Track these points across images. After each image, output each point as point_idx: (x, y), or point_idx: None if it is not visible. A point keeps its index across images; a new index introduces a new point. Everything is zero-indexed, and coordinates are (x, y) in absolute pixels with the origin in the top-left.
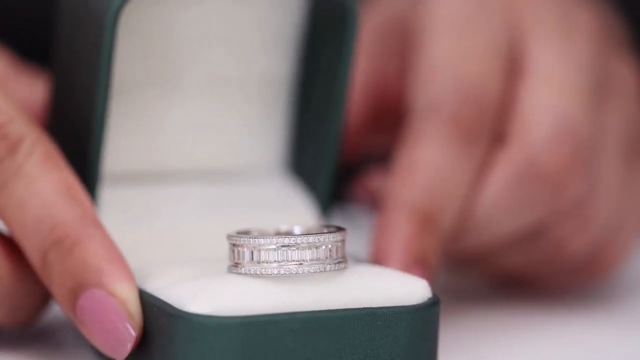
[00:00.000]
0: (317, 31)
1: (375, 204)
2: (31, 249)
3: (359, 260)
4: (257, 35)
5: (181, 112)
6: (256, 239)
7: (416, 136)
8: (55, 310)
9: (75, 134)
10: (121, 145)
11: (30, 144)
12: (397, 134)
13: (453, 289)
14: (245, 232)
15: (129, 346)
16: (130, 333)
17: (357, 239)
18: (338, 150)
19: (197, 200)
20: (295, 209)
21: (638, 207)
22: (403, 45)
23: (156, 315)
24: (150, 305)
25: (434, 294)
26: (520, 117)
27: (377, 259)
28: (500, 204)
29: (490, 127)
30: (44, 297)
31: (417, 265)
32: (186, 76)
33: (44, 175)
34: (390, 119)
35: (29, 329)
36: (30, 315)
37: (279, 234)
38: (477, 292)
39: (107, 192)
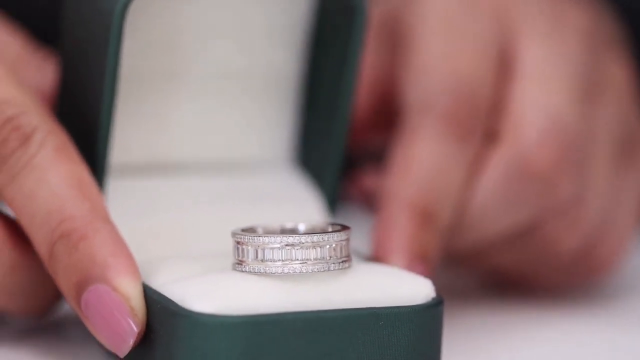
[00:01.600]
0: (326, 27)
1: (369, 202)
2: (39, 241)
3: (360, 257)
4: (264, 30)
5: (189, 106)
6: (260, 238)
7: (411, 134)
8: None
9: (83, 126)
10: (130, 137)
11: (43, 135)
12: (392, 132)
13: (448, 286)
14: (251, 230)
15: (130, 342)
16: (132, 329)
17: (354, 237)
18: (344, 147)
19: (204, 193)
20: (302, 203)
21: (629, 206)
22: (395, 43)
23: (160, 313)
24: (155, 302)
25: (437, 294)
26: (512, 115)
27: (379, 256)
28: (492, 201)
29: (483, 124)
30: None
31: (418, 261)
32: (193, 70)
33: (55, 167)
34: (389, 115)
35: (41, 322)
36: (45, 306)
37: (283, 231)
38: (472, 290)
39: (116, 184)
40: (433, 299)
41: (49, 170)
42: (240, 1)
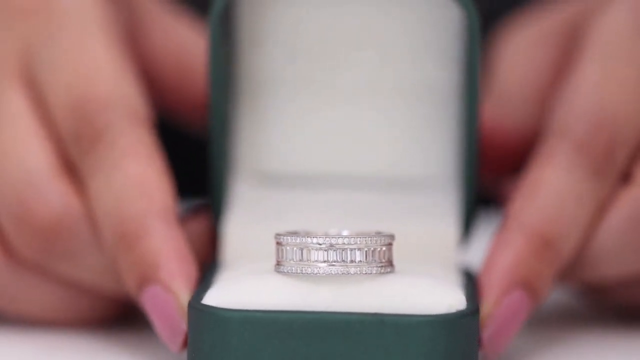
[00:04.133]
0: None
1: None
2: (105, 240)
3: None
4: (412, 42)
5: (333, 115)
6: (285, 237)
7: (544, 156)
8: None
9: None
10: (272, 145)
11: (114, 135)
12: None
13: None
14: (294, 232)
15: (180, 340)
16: (181, 327)
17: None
18: (476, 165)
19: (340, 205)
20: (437, 221)
21: None
22: (571, 51)
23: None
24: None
25: (468, 309)
26: None
27: (481, 273)
28: (613, 243)
29: (622, 164)
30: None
31: (519, 287)
32: (339, 80)
33: (121, 168)
34: None
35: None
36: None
37: (327, 235)
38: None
39: (255, 191)
40: (457, 311)
41: (113, 173)
42: (386, 12)
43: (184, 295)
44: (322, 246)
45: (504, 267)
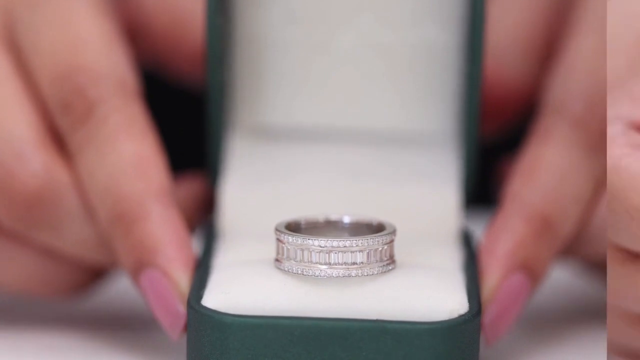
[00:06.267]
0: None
1: None
2: (101, 218)
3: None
4: (414, 5)
5: (333, 72)
6: (286, 236)
7: (542, 134)
8: None
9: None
10: (274, 103)
11: (107, 110)
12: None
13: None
14: (294, 224)
15: (180, 326)
16: (181, 314)
17: None
18: (477, 133)
19: (340, 162)
20: (438, 182)
21: None
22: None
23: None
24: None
25: (471, 311)
26: None
27: (481, 256)
28: None
29: None
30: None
31: (520, 270)
32: (338, 39)
33: (115, 145)
34: None
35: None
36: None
37: (328, 223)
38: None
39: (254, 147)
40: (459, 315)
41: (109, 149)
42: None
43: (182, 281)
44: (323, 249)
45: (504, 250)
